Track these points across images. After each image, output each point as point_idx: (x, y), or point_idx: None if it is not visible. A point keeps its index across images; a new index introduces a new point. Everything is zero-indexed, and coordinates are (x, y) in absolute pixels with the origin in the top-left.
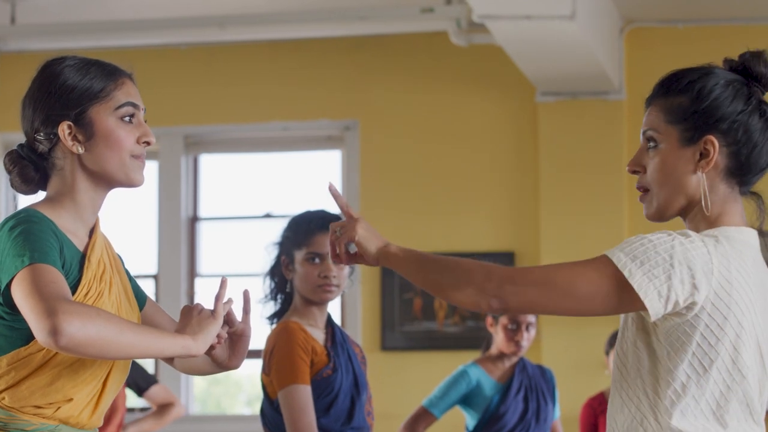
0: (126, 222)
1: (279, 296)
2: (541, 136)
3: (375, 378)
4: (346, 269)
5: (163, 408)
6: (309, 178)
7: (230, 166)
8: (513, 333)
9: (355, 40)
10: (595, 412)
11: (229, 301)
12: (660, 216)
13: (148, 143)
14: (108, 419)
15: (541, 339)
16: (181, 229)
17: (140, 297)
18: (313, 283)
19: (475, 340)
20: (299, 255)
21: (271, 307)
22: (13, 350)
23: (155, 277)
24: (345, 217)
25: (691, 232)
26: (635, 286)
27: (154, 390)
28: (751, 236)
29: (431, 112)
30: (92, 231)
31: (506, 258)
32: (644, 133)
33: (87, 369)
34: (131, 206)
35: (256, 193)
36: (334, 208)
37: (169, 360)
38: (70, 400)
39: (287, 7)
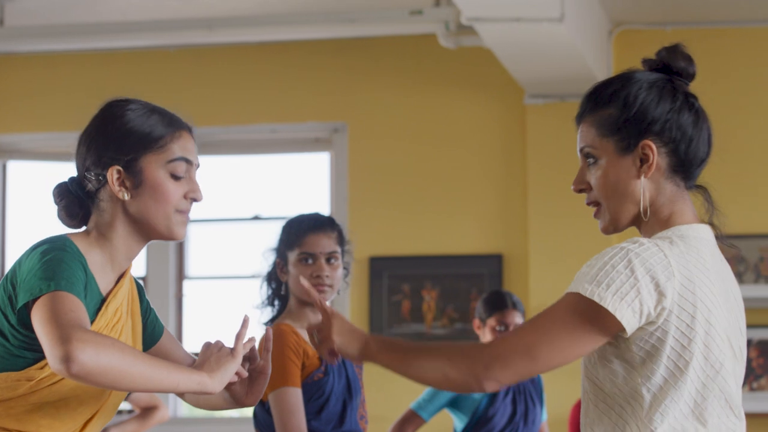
0: None
1: (276, 301)
2: (530, 138)
3: (364, 380)
4: (340, 270)
5: (147, 411)
6: (297, 181)
7: (218, 167)
8: (501, 335)
9: (344, 42)
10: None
11: (251, 340)
12: (615, 228)
13: (195, 200)
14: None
15: None
16: None
17: (158, 329)
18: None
19: (464, 341)
20: (292, 256)
21: (269, 313)
22: (4, 372)
23: (143, 279)
24: (320, 313)
25: (641, 238)
26: (610, 309)
27: (137, 393)
28: (704, 231)
29: (420, 114)
30: (121, 277)
31: (495, 260)
32: (581, 150)
33: (69, 411)
34: None
35: (245, 196)
36: (325, 211)
37: (181, 394)
38: None
39: (275, 9)
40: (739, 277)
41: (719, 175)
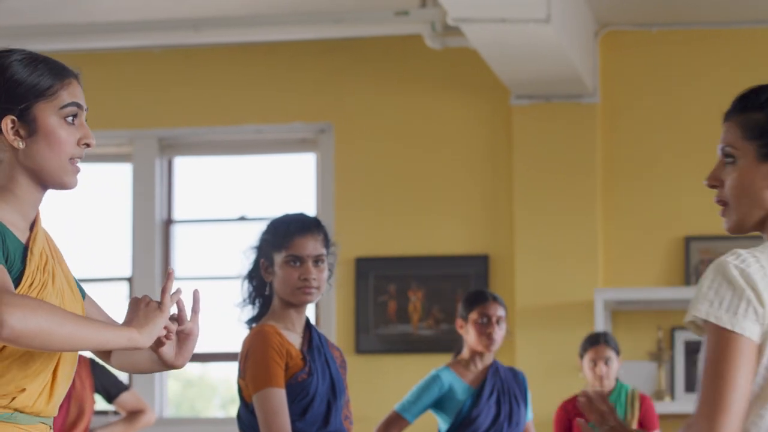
0: (100, 225)
1: (257, 300)
2: (516, 139)
3: (349, 381)
4: (325, 272)
5: (133, 415)
6: (283, 181)
7: (204, 168)
8: (484, 327)
9: (330, 43)
10: (569, 415)
11: (178, 291)
12: (739, 229)
13: (88, 145)
14: (74, 423)
15: (516, 342)
16: (155, 232)
17: (81, 289)
18: (292, 285)
19: (449, 343)
20: (279, 258)
21: (250, 311)
22: None
23: (129, 279)
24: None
25: (739, 250)
26: (738, 330)
27: (124, 397)
28: None
29: (406, 115)
30: (33, 224)
31: (481, 261)
32: (722, 149)
33: (36, 360)
34: (105, 209)
35: (231, 196)
36: (311, 211)
37: (106, 355)
38: (23, 390)
39: (262, 10)
40: None
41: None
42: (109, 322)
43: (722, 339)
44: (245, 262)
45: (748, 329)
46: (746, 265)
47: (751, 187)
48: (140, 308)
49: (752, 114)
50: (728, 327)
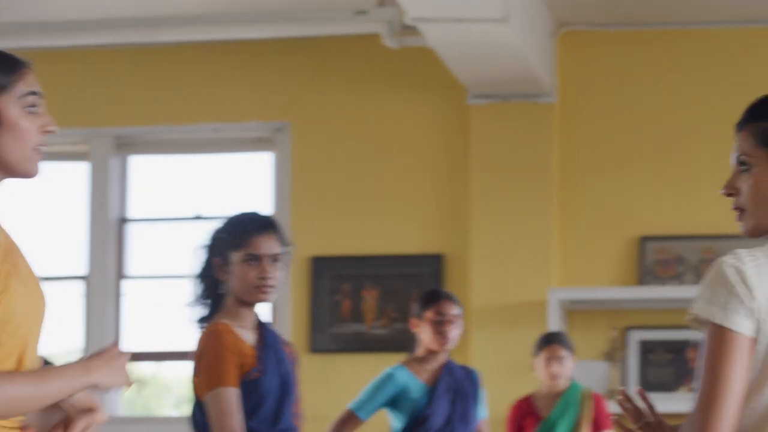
0: (55, 223)
1: (209, 299)
2: (473, 138)
3: (303, 380)
4: (281, 271)
5: (84, 413)
6: (240, 180)
7: (160, 167)
8: (439, 326)
9: (288, 42)
10: (523, 414)
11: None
12: (755, 233)
13: (50, 132)
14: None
15: (470, 341)
16: (110, 231)
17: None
18: (250, 284)
19: (404, 342)
20: (236, 256)
21: (201, 310)
22: None
23: (84, 278)
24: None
25: (738, 250)
26: (729, 326)
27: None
28: None
29: (363, 114)
30: None
31: (435, 260)
32: (737, 157)
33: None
34: (60, 207)
35: (187, 195)
36: (268, 210)
37: None
38: None
39: (219, 8)
40: (680, 278)
41: (662, 176)
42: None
43: (716, 335)
44: (196, 261)
45: (740, 324)
46: (741, 263)
47: (766, 192)
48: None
49: (764, 122)
50: (721, 323)
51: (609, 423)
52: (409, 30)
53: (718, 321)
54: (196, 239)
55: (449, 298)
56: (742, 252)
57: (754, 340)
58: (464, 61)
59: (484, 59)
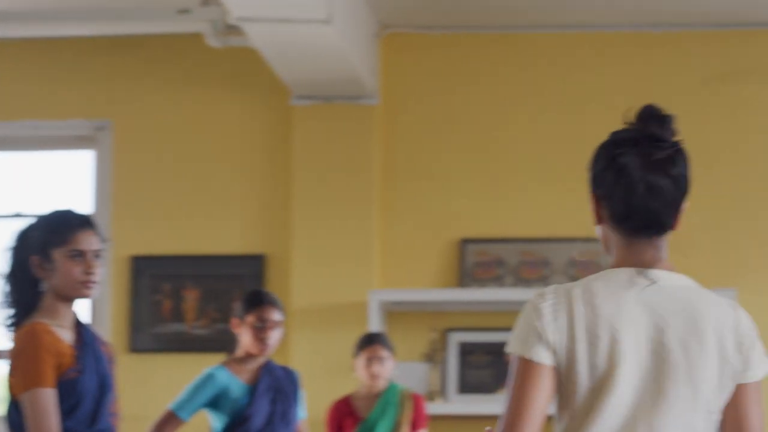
0: None
1: (24, 298)
2: (296, 139)
3: (123, 380)
4: (102, 267)
5: None
6: (60, 178)
7: None
8: (260, 331)
9: (111, 40)
10: (342, 414)
11: None
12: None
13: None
14: None
15: (291, 342)
16: None
17: None
18: (74, 279)
19: (224, 342)
20: (59, 253)
21: (15, 310)
22: None
23: None
24: None
25: (547, 288)
26: (527, 356)
27: None
28: (623, 273)
29: (186, 114)
30: None
31: (257, 261)
32: None
33: None
34: None
35: (6, 193)
36: (88, 209)
37: None
38: None
39: (42, 5)
40: (499, 280)
41: (482, 179)
42: None
43: (516, 364)
44: (7, 260)
45: (537, 354)
46: (541, 300)
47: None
48: None
49: None
50: (521, 354)
51: (425, 423)
52: (232, 30)
53: (519, 352)
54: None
55: (272, 303)
56: (549, 289)
57: (553, 368)
58: (288, 61)
59: (308, 60)
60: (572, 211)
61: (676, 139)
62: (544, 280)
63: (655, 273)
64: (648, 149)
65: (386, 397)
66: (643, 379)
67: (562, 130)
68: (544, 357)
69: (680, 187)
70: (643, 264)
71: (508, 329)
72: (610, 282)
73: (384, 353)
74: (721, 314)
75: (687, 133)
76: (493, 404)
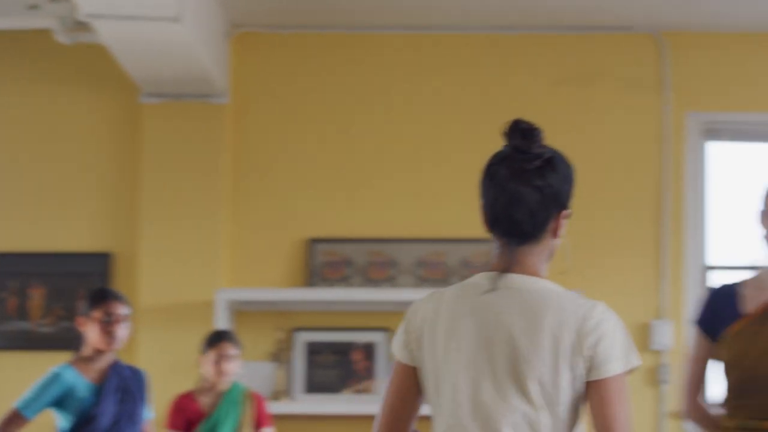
0: None
1: None
2: (145, 137)
3: None
4: None
5: None
6: None
7: None
8: (107, 326)
9: None
10: (183, 410)
11: None
12: None
13: None
14: None
15: (138, 341)
16: None
17: None
18: None
19: (70, 340)
20: None
21: None
22: None
23: None
24: None
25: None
26: (396, 354)
27: None
28: (481, 278)
29: (34, 110)
30: None
31: (103, 259)
32: None
33: None
34: None
35: None
36: None
37: None
38: None
39: None
40: (347, 280)
41: (331, 180)
42: None
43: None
44: None
45: (399, 353)
46: (415, 304)
47: None
48: None
49: None
50: (393, 352)
51: (268, 422)
52: (81, 26)
53: (393, 351)
54: None
55: (117, 298)
56: (428, 294)
57: (413, 368)
58: (137, 59)
59: (157, 58)
60: (420, 211)
61: (543, 151)
62: (391, 281)
63: (507, 277)
64: (516, 162)
65: (230, 397)
66: (476, 378)
67: (411, 130)
68: (404, 357)
69: (547, 198)
70: (503, 268)
71: (355, 329)
72: (465, 286)
73: (233, 351)
74: (564, 315)
75: None
76: (339, 404)
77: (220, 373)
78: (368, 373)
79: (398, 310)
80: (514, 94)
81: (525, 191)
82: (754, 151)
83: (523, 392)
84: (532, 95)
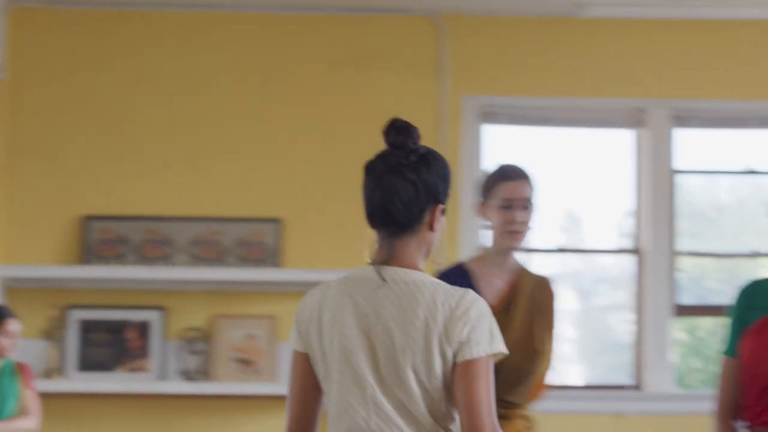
0: None
1: None
2: None
3: None
4: None
5: None
6: None
7: None
8: None
9: None
10: None
11: None
12: None
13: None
14: None
15: None
16: None
17: None
18: None
19: None
20: None
21: None
22: None
23: None
24: None
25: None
26: (292, 345)
27: None
28: (362, 271)
29: None
30: None
31: None
32: None
33: None
34: None
35: None
36: None
37: None
38: None
39: None
40: (122, 258)
41: (108, 157)
42: None
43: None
44: None
45: (294, 343)
46: (305, 295)
47: None
48: None
49: None
50: (291, 344)
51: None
52: None
53: (290, 343)
54: None
55: None
56: (317, 286)
57: (306, 355)
58: None
59: None
60: (196, 191)
61: (417, 148)
62: (166, 259)
63: (387, 270)
64: (392, 157)
65: (4, 372)
66: (359, 366)
67: (188, 109)
68: (298, 345)
69: (421, 192)
70: (382, 260)
71: (129, 307)
72: (348, 279)
73: (16, 327)
74: (437, 303)
75: (313, 117)
76: (113, 382)
77: (2, 349)
78: (142, 352)
79: (173, 289)
80: (292, 74)
81: (399, 183)
82: (529, 135)
83: (401, 379)
84: (310, 76)
